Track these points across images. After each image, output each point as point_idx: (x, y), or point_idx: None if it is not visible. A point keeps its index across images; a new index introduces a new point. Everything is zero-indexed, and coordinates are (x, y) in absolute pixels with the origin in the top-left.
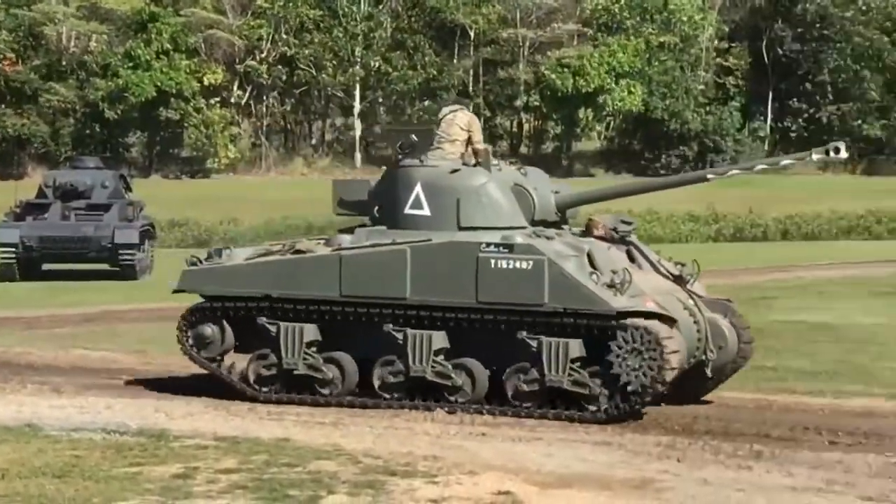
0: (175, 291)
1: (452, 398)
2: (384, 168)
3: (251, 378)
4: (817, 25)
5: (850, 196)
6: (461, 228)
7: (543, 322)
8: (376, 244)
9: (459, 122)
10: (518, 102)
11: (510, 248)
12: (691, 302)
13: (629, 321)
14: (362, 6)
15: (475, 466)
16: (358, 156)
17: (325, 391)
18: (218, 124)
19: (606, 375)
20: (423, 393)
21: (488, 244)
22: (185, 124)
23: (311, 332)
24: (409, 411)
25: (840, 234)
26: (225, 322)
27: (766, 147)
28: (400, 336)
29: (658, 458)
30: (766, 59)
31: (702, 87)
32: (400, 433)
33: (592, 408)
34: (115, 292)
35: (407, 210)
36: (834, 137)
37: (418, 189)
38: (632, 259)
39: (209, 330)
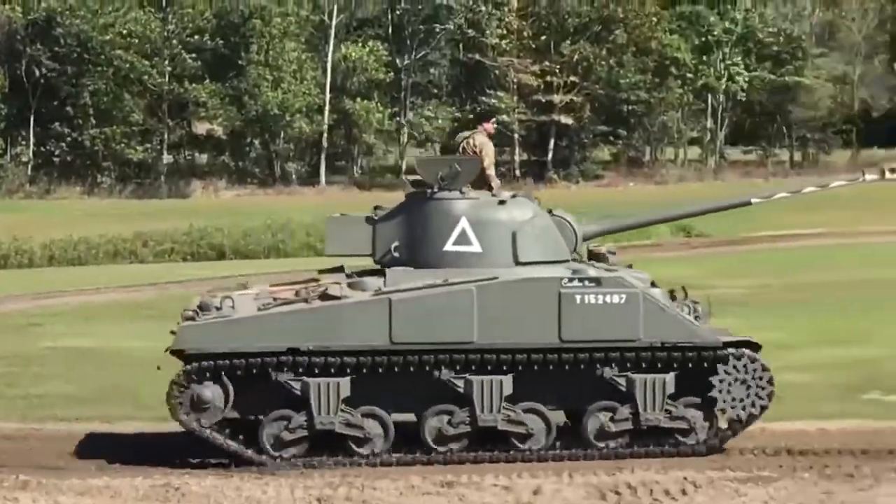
0: (174, 351)
1: (524, 446)
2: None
3: (267, 443)
4: (77, 49)
5: (117, 220)
6: (518, 264)
7: (633, 357)
8: (431, 285)
9: (469, 146)
10: None
11: (597, 281)
12: None
13: (729, 351)
14: None
15: None
16: None
17: (364, 450)
18: None
19: (704, 406)
20: (482, 443)
21: (570, 279)
22: None
23: (346, 386)
24: None
25: (107, 259)
26: (228, 382)
27: (28, 172)
28: (461, 383)
29: None
30: (25, 82)
31: None
32: None
33: (691, 441)
34: None
35: (449, 246)
36: (99, 161)
37: (464, 223)
38: None
39: (209, 393)
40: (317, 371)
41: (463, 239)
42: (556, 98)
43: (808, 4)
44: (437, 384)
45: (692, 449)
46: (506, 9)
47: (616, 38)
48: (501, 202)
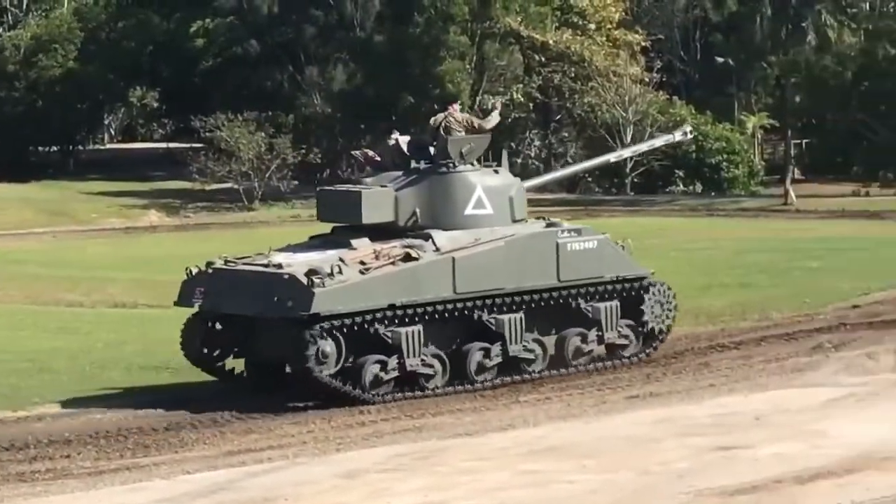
0: (311, 315)
1: (531, 369)
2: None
3: (367, 382)
4: None
5: None
6: (514, 221)
7: (599, 291)
8: (477, 243)
9: (458, 123)
10: None
11: (578, 231)
12: None
13: (651, 280)
14: None
15: None
16: None
17: (431, 385)
18: None
19: (636, 326)
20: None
21: (562, 231)
22: None
23: (421, 333)
24: None
25: None
26: (340, 337)
27: None
28: (493, 323)
29: None
30: None
31: None
32: None
33: (627, 353)
34: None
35: (469, 210)
36: None
37: (479, 192)
38: None
39: (329, 347)
40: (405, 321)
41: (479, 204)
42: None
43: None
44: (477, 324)
45: (630, 360)
46: None
47: None
48: (496, 171)
